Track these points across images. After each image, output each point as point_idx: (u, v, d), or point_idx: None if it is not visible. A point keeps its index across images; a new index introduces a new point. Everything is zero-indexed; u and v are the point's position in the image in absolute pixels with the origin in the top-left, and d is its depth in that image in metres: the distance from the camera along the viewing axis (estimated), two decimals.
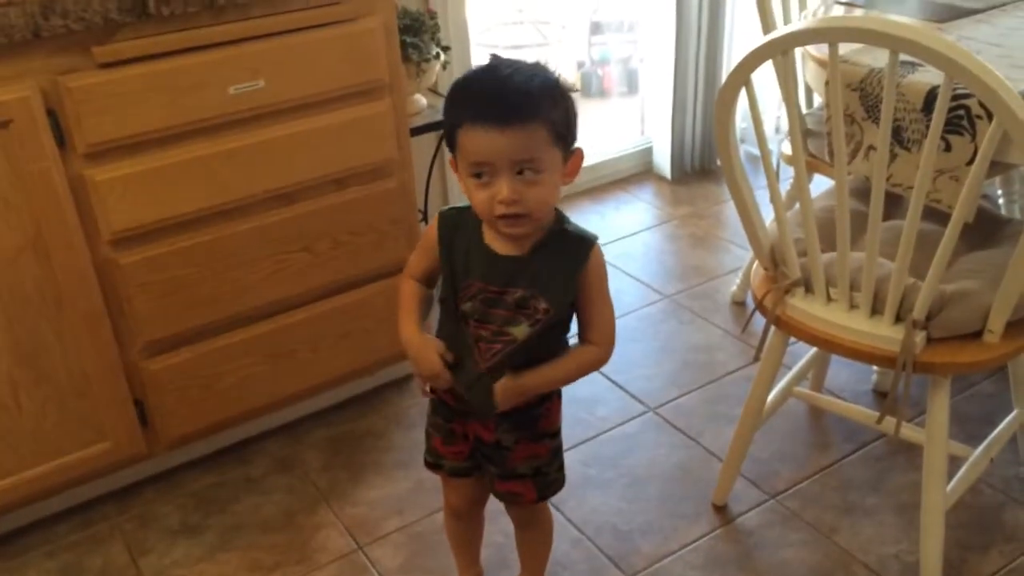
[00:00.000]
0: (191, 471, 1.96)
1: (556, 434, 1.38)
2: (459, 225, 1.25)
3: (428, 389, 1.32)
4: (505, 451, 1.35)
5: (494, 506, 1.51)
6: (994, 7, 1.77)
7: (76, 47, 1.50)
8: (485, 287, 1.22)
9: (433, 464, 1.44)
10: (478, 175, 1.14)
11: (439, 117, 1.77)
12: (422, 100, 2.17)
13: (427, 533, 1.78)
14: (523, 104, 1.11)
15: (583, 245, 1.22)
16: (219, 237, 1.73)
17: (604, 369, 2.19)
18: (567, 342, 1.31)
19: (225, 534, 1.81)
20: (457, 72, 2.51)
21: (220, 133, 1.67)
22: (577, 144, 1.20)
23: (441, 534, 1.70)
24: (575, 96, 1.19)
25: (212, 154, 1.66)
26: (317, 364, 1.94)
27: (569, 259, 1.22)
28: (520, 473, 1.37)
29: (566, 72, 4.43)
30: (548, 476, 1.39)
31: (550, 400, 1.35)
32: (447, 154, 1.23)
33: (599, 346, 1.28)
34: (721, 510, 1.80)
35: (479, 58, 2.75)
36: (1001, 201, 2.29)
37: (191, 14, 1.57)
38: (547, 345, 1.27)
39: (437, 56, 2.15)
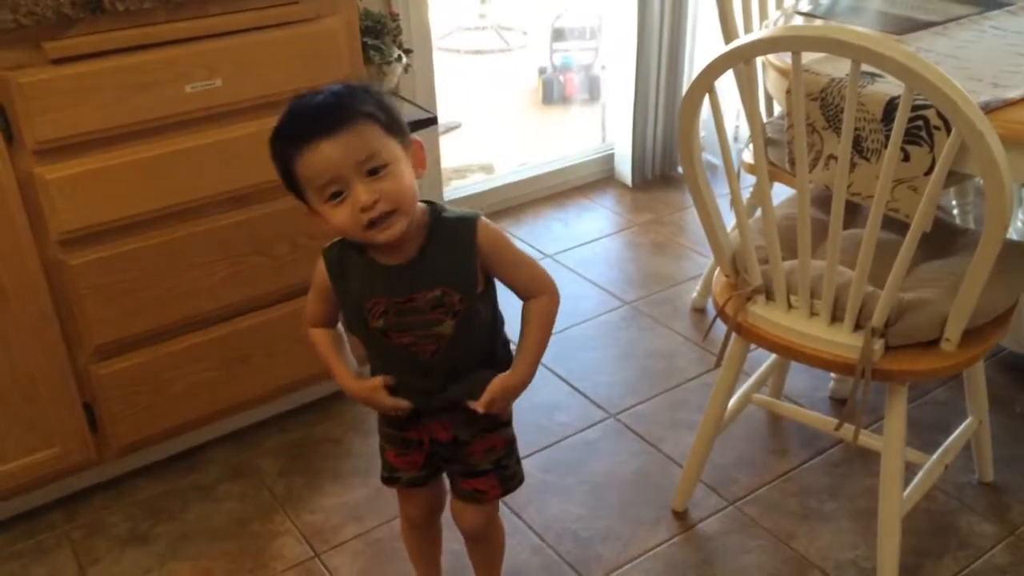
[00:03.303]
0: (141, 478, 1.91)
1: (509, 423, 1.38)
2: (344, 256, 1.24)
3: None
4: (464, 446, 1.34)
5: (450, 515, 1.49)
6: (951, 20, 1.79)
7: (26, 42, 1.46)
8: (390, 300, 1.21)
9: (389, 479, 1.42)
10: (334, 195, 1.13)
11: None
12: None
13: (385, 540, 1.76)
14: (339, 108, 1.11)
15: (465, 226, 1.21)
16: (173, 239, 1.69)
17: (564, 375, 2.19)
18: (501, 318, 1.31)
19: (176, 543, 1.76)
20: (419, 75, 2.49)
21: (175, 132, 1.63)
22: (415, 137, 1.20)
23: (399, 541, 1.67)
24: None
25: (167, 153, 1.62)
26: (272, 369, 1.91)
27: (458, 245, 1.21)
28: (482, 469, 1.36)
29: (528, 78, 4.45)
30: (508, 469, 1.38)
31: None
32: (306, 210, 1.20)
33: (546, 293, 1.27)
34: (681, 516, 1.80)
35: (441, 61, 2.74)
36: (955, 212, 2.33)
37: (147, 10, 1.53)
38: (481, 329, 1.26)
39: (399, 58, 2.13)
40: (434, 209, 1.22)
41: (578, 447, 1.98)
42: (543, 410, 2.08)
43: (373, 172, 1.12)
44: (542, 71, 4.34)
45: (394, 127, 1.15)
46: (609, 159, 3.18)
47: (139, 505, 1.85)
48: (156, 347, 1.75)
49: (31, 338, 1.61)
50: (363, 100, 1.14)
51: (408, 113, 2.04)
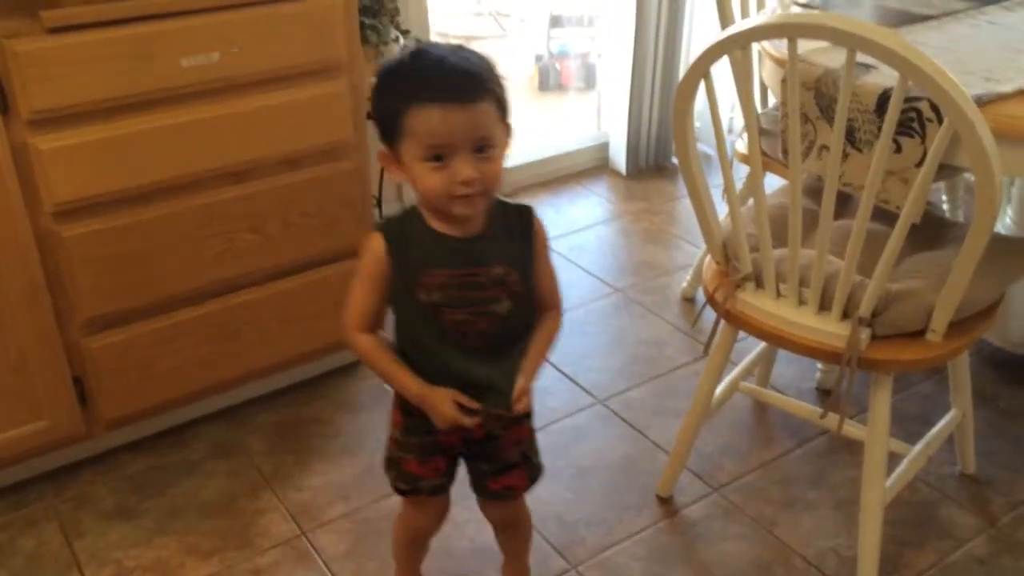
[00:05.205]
0: (129, 453, 1.92)
1: (531, 414, 1.38)
2: (404, 229, 1.21)
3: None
4: (496, 441, 1.33)
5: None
6: (946, 14, 1.80)
7: (23, 11, 1.46)
8: (452, 273, 1.20)
9: (411, 490, 1.38)
10: (435, 157, 1.12)
11: None
12: None
13: (373, 519, 1.76)
14: (476, 80, 1.11)
15: (526, 213, 1.25)
16: (166, 213, 1.69)
17: (554, 360, 2.19)
18: (535, 316, 1.31)
19: (163, 518, 1.77)
20: None
21: (171, 106, 1.63)
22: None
23: (387, 520, 1.68)
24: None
25: (162, 127, 1.62)
26: (263, 347, 1.91)
27: (520, 229, 1.24)
28: (512, 463, 1.37)
29: (524, 65, 4.44)
30: (532, 460, 1.40)
31: None
32: (376, 148, 1.19)
33: (557, 310, 1.30)
34: (665, 502, 1.81)
35: None
36: (946, 207, 2.35)
37: None
38: (528, 318, 1.28)
39: (396, 39, 2.13)
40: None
41: (566, 432, 1.99)
42: (533, 394, 2.09)
43: (480, 150, 1.12)
44: (538, 58, 4.34)
45: (506, 113, 1.16)
46: (604, 147, 3.19)
47: (127, 480, 1.86)
48: (148, 321, 1.75)
49: (22, 309, 1.61)
50: (494, 79, 1.14)
51: None
